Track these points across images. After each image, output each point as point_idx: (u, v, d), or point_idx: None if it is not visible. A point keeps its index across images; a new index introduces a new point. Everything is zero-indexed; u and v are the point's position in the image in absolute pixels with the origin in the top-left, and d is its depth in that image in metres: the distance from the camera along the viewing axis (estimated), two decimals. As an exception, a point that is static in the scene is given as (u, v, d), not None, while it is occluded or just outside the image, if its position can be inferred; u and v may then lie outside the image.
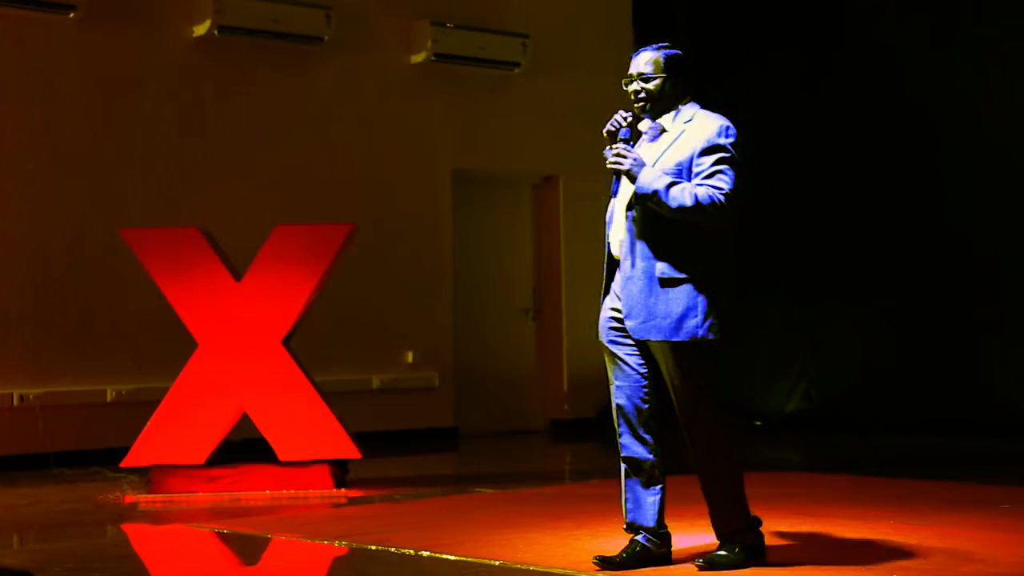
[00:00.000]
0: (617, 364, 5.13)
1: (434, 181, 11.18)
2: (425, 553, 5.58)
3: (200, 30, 9.99)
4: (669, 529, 5.23)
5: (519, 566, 5.27)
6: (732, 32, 11.95)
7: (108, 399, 9.50)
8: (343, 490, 7.78)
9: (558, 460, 10.30)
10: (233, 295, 7.94)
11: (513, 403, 11.68)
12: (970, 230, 10.52)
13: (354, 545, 5.88)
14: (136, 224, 9.05)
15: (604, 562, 5.12)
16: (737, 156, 4.99)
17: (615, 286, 5.14)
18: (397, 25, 11.00)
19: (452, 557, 5.50)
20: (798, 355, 11.32)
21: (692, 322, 4.95)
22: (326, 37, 10.45)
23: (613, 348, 5.13)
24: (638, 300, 4.98)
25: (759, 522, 5.18)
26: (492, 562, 5.38)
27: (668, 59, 5.10)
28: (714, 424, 5.06)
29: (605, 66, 12.14)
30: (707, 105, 5.22)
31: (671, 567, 5.14)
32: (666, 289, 4.95)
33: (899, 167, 10.90)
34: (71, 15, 9.47)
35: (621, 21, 12.33)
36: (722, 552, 5.09)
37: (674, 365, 4.99)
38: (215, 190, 10.05)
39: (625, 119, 5.10)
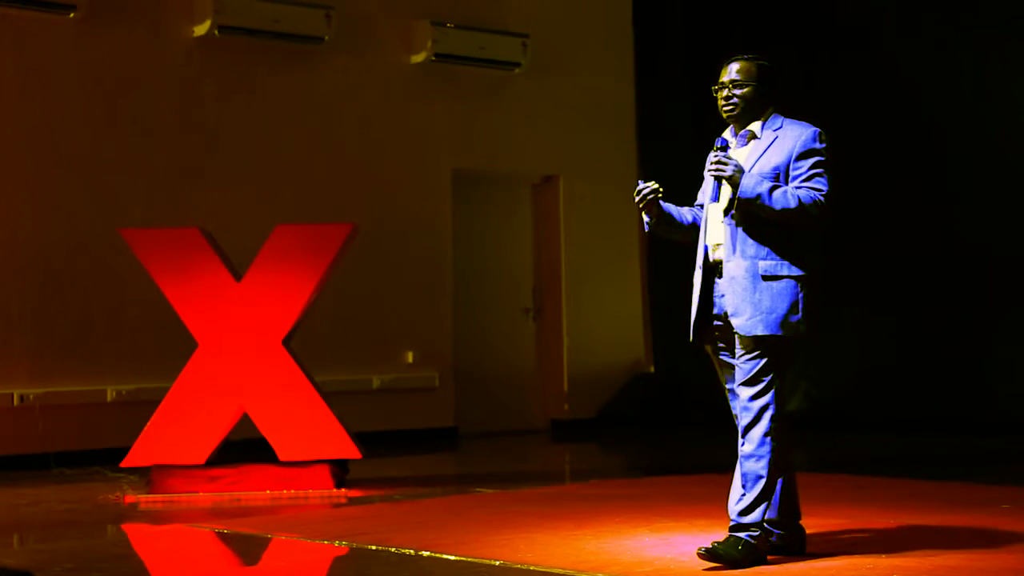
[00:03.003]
0: (730, 373, 5.30)
1: (434, 181, 11.18)
2: (425, 553, 5.58)
3: (200, 30, 9.99)
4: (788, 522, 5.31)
5: (519, 566, 5.27)
6: (731, 33, 11.94)
7: (108, 399, 9.50)
8: (343, 490, 7.78)
9: (558, 460, 10.30)
10: (233, 295, 7.94)
11: (513, 403, 11.68)
12: (970, 230, 10.52)
13: (354, 545, 5.88)
14: (136, 224, 9.05)
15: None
16: (828, 162, 5.23)
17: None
18: (397, 25, 11.01)
19: (452, 557, 5.50)
20: (798, 355, 11.30)
21: (794, 318, 5.14)
22: (326, 37, 10.45)
23: (725, 357, 5.31)
24: (743, 298, 5.13)
25: (772, 533, 5.23)
26: (492, 562, 5.38)
27: (760, 69, 5.29)
28: (772, 418, 5.13)
29: (605, 66, 12.21)
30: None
31: (674, 565, 5.14)
32: (769, 284, 5.12)
33: (899, 167, 10.90)
34: (71, 15, 9.47)
35: (621, 21, 12.33)
36: (725, 544, 5.09)
37: (762, 357, 5.12)
38: (215, 190, 10.05)
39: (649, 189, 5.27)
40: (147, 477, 7.90)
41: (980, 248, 10.47)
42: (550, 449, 10.86)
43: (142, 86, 9.85)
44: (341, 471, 7.96)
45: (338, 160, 10.68)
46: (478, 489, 7.82)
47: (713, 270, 5.25)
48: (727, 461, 5.20)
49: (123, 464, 7.90)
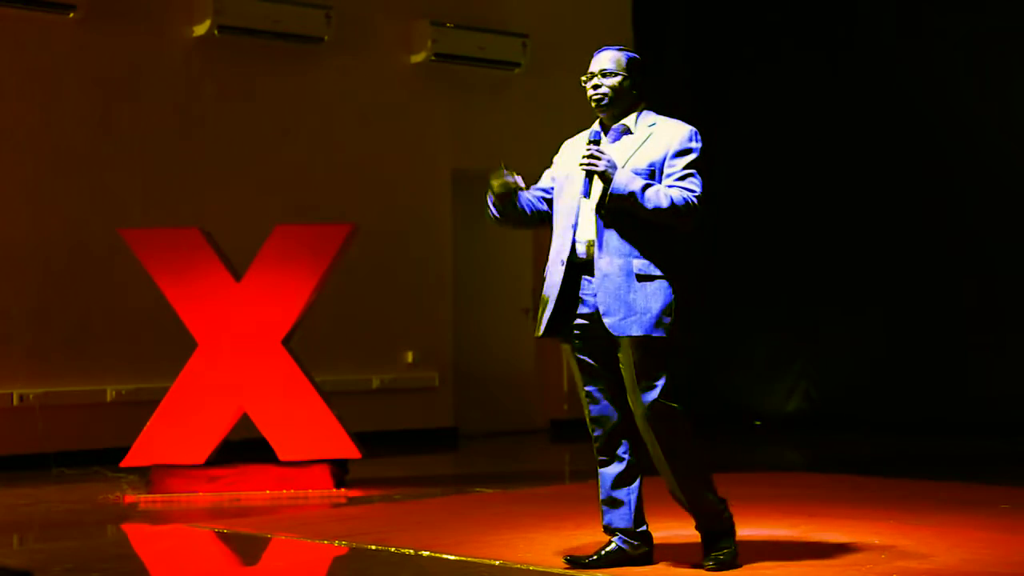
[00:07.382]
0: (591, 374, 5.18)
1: (434, 181, 11.17)
2: (425, 553, 5.58)
3: (200, 30, 9.99)
4: (650, 529, 5.27)
5: (519, 566, 5.28)
6: (730, 33, 11.95)
7: (108, 399, 9.50)
8: (343, 490, 7.79)
9: (558, 460, 10.30)
10: (233, 295, 7.94)
11: (513, 403, 11.67)
12: (969, 230, 10.52)
13: (354, 545, 5.88)
14: (136, 224, 9.04)
15: (574, 562, 5.19)
16: (703, 162, 5.11)
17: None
18: (397, 25, 11.00)
19: (452, 557, 5.50)
20: (798, 355, 11.32)
21: (668, 318, 5.01)
22: (326, 37, 10.45)
23: (584, 358, 5.15)
24: (616, 297, 5.00)
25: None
26: (492, 562, 5.39)
27: (629, 60, 5.22)
28: (677, 418, 5.08)
29: (605, 66, 12.18)
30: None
31: (674, 565, 5.14)
32: (643, 284, 4.99)
33: (897, 168, 10.90)
34: (71, 15, 9.47)
35: (621, 21, 12.32)
36: (723, 549, 5.12)
37: (644, 360, 4.98)
38: (215, 190, 10.05)
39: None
40: (147, 477, 7.90)
41: (979, 248, 10.47)
42: (550, 449, 10.86)
43: (142, 86, 9.85)
44: (341, 471, 7.96)
45: (338, 160, 10.68)
46: (478, 489, 7.82)
47: (581, 267, 5.10)
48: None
49: (123, 464, 7.90)
